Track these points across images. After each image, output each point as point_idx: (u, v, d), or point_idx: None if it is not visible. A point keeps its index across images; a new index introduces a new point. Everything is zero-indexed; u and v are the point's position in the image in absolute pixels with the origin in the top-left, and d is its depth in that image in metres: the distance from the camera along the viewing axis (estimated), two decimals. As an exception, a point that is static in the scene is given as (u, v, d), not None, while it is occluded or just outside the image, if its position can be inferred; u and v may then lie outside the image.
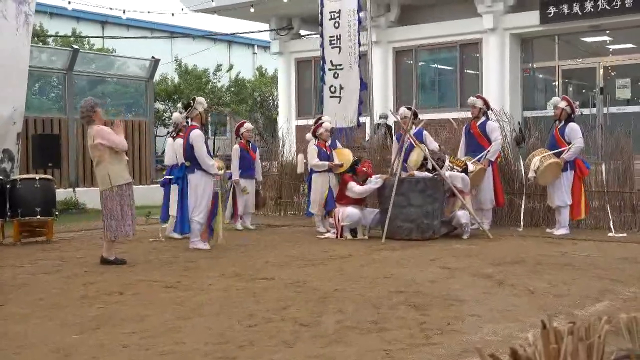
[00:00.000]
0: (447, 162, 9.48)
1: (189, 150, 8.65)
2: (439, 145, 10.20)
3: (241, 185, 10.68)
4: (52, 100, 16.18)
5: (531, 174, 9.61)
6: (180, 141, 9.58)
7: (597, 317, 1.75)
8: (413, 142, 9.67)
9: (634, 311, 1.87)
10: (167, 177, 10.00)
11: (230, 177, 10.73)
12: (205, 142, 8.79)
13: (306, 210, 11.14)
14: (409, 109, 10.15)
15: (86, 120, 7.69)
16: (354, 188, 9.38)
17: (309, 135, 10.70)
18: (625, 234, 9.41)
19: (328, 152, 10.28)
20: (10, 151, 11.79)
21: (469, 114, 10.55)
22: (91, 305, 5.59)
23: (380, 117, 16.16)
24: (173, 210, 9.73)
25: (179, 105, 9.62)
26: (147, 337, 4.58)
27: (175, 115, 10.46)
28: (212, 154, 9.53)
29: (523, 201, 10.39)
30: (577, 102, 10.59)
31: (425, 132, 10.40)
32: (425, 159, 9.49)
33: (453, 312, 5.15)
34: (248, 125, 11.18)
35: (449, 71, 18.79)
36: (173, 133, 10.23)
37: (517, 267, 7.06)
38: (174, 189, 9.64)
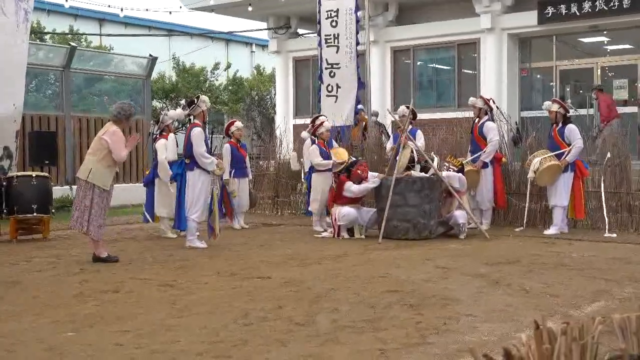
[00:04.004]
0: (436, 161, 9.47)
1: (189, 147, 8.65)
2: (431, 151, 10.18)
3: (231, 187, 10.62)
4: (49, 97, 16.12)
5: (530, 175, 9.61)
6: (172, 137, 9.58)
7: (590, 317, 1.74)
8: (408, 142, 9.64)
9: (629, 312, 1.85)
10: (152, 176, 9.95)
11: (221, 178, 10.66)
12: (206, 141, 8.78)
13: (305, 209, 11.09)
14: (408, 107, 10.14)
15: (115, 120, 7.70)
16: (352, 187, 9.37)
17: (305, 134, 10.66)
18: (615, 235, 9.39)
19: (327, 152, 10.29)
20: (9, 149, 11.77)
21: (466, 114, 10.55)
22: (85, 303, 5.57)
23: (371, 115, 16.13)
24: (159, 210, 9.70)
25: (182, 102, 9.58)
26: (141, 335, 4.56)
27: (178, 111, 10.37)
28: (211, 152, 9.49)
29: (527, 201, 10.31)
30: (569, 101, 10.60)
31: (419, 132, 10.40)
32: (411, 161, 9.47)
33: (448, 311, 5.14)
34: (238, 124, 11.14)
35: (447, 71, 18.79)
36: (156, 133, 10.10)
37: (513, 267, 7.05)
38: (159, 188, 9.64)
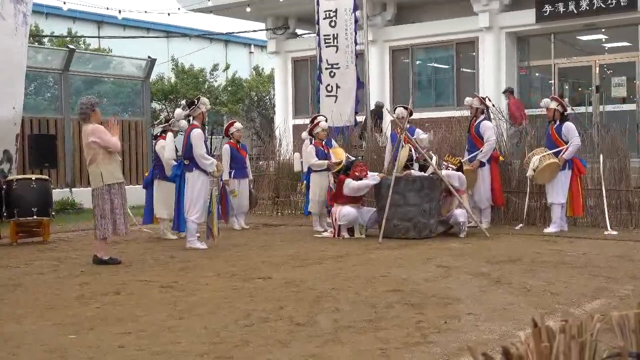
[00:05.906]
0: (434, 159, 9.48)
1: (188, 148, 8.66)
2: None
3: (231, 187, 10.63)
4: (48, 100, 16.11)
5: (530, 173, 9.61)
6: (170, 136, 9.59)
7: (589, 315, 1.75)
8: (405, 142, 9.64)
9: (629, 309, 1.86)
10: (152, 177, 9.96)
11: (221, 178, 10.65)
12: (205, 142, 8.79)
13: (304, 209, 11.11)
14: (406, 108, 10.14)
15: (83, 117, 7.70)
16: (350, 184, 9.37)
17: (304, 134, 10.69)
18: (616, 232, 9.39)
19: (325, 151, 10.30)
20: (9, 152, 11.78)
21: (465, 113, 10.55)
22: (87, 305, 5.58)
23: (377, 106, 16.40)
24: (159, 211, 9.70)
25: (183, 102, 9.58)
26: (143, 337, 4.57)
27: (177, 111, 10.35)
28: (210, 153, 9.50)
29: (527, 199, 10.31)
30: (566, 98, 10.59)
31: (417, 130, 10.42)
32: (409, 160, 9.48)
33: (449, 310, 5.15)
34: (238, 124, 11.14)
35: (446, 70, 18.80)
36: (158, 130, 10.11)
37: (514, 265, 7.06)
38: (159, 189, 9.65)
